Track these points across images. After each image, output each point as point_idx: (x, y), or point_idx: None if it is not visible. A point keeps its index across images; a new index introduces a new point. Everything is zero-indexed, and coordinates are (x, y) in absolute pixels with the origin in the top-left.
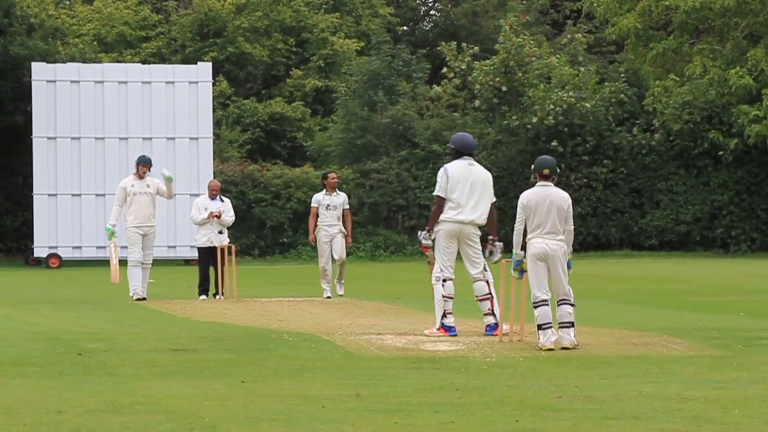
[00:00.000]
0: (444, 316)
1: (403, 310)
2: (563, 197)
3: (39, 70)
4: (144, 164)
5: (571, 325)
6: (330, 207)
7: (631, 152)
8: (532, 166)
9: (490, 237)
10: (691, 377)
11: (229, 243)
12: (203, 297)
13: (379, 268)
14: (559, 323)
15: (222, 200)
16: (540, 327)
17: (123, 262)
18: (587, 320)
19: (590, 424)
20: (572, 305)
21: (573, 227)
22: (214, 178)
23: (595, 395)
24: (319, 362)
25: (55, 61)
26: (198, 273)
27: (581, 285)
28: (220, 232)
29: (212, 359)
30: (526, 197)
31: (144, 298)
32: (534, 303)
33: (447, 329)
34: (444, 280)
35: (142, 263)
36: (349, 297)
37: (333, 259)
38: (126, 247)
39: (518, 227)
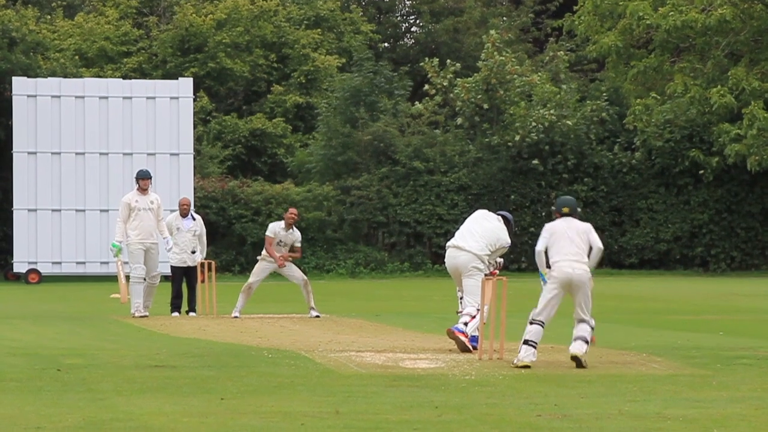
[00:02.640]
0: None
1: (383, 327)
2: (585, 225)
3: (20, 84)
4: (144, 178)
5: (586, 342)
6: (281, 244)
7: (612, 170)
8: (553, 207)
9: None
10: (671, 396)
11: (203, 260)
12: (176, 314)
13: (359, 285)
14: (574, 336)
15: (194, 218)
16: (526, 342)
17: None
18: (567, 338)
19: None
20: (591, 327)
21: (601, 246)
22: (195, 194)
23: (574, 413)
24: (299, 379)
25: (36, 76)
26: (171, 290)
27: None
28: (193, 252)
29: (192, 376)
30: (550, 225)
31: (145, 316)
32: (532, 320)
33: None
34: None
35: (149, 281)
36: (328, 314)
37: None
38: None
39: (540, 248)
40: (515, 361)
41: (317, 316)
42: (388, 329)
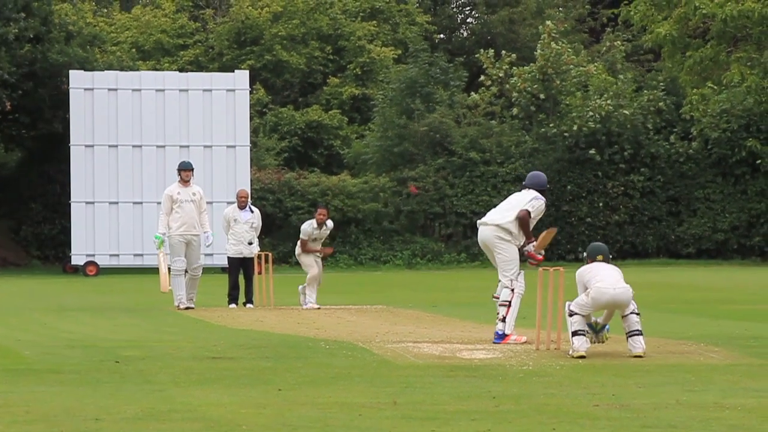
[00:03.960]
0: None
1: (440, 318)
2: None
3: (77, 77)
4: (185, 170)
5: (640, 333)
6: (317, 239)
7: (669, 160)
8: (585, 254)
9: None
10: (729, 386)
11: (259, 251)
12: (233, 305)
13: (415, 276)
14: (627, 333)
15: (251, 210)
16: (575, 333)
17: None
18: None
19: None
20: (638, 314)
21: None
22: (252, 185)
23: (632, 404)
24: (356, 370)
25: (92, 69)
26: (228, 281)
27: None
28: (250, 243)
29: (249, 367)
30: (583, 268)
31: (190, 308)
32: (571, 312)
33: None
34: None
35: (191, 274)
36: (385, 305)
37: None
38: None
39: (580, 313)
40: (571, 353)
41: (317, 308)
42: (444, 320)
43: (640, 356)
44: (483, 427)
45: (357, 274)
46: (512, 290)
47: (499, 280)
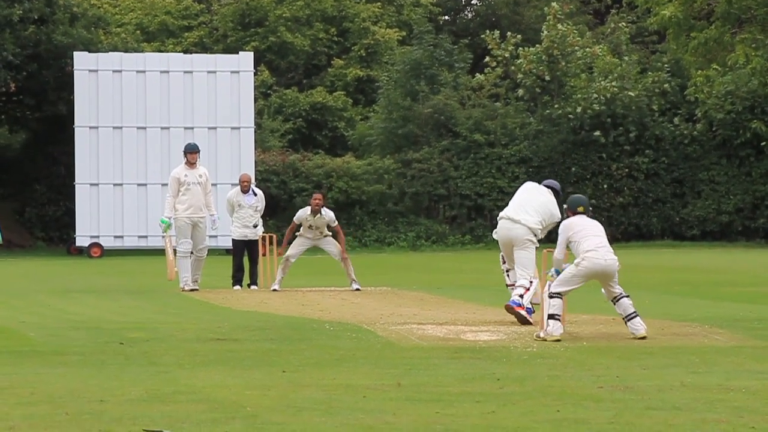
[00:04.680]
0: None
1: (444, 300)
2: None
3: (81, 59)
4: (191, 152)
5: (636, 314)
6: (313, 227)
7: (673, 142)
8: (565, 205)
9: None
10: (733, 368)
11: (264, 233)
12: (237, 287)
13: (420, 258)
14: (624, 317)
15: (255, 193)
16: (551, 316)
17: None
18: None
19: (631, 414)
20: (627, 296)
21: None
22: (256, 167)
23: (636, 385)
24: (360, 352)
25: (97, 51)
26: (232, 263)
27: (622, 275)
28: (255, 226)
29: (253, 349)
30: (569, 221)
31: (195, 289)
32: (552, 294)
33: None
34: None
35: (196, 255)
36: (390, 287)
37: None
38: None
39: (559, 257)
40: (541, 334)
41: (357, 289)
42: (449, 302)
43: (644, 337)
44: (487, 408)
45: (361, 255)
46: (530, 282)
47: (515, 273)
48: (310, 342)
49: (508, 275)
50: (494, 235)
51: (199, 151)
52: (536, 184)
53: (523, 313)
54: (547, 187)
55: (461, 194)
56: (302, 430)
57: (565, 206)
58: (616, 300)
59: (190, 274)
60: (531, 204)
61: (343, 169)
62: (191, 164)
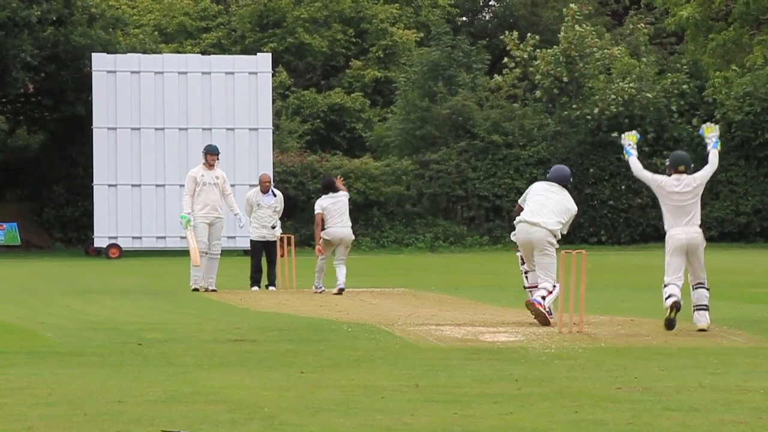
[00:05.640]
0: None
1: (462, 301)
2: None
3: (99, 60)
4: (211, 153)
5: (706, 308)
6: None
7: (692, 143)
8: (667, 161)
9: None
10: (752, 369)
11: (282, 234)
12: (255, 288)
13: (438, 259)
14: (694, 306)
15: (274, 194)
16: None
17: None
18: (647, 311)
19: (650, 415)
20: (707, 289)
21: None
22: (274, 168)
23: (654, 386)
24: (378, 353)
25: (115, 52)
26: (250, 264)
27: (640, 276)
28: (273, 227)
29: (272, 350)
30: (664, 179)
31: (214, 290)
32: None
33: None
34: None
35: (210, 254)
36: (408, 288)
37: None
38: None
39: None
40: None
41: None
42: (467, 303)
43: (704, 330)
44: (505, 409)
45: (379, 257)
46: (554, 285)
47: (537, 276)
48: (328, 343)
49: (526, 277)
50: (512, 237)
51: (218, 153)
52: (546, 184)
53: (543, 311)
54: (557, 182)
55: (479, 195)
56: (320, 431)
57: (666, 162)
58: (695, 287)
59: (203, 273)
60: (547, 206)
61: (361, 170)
62: (210, 165)
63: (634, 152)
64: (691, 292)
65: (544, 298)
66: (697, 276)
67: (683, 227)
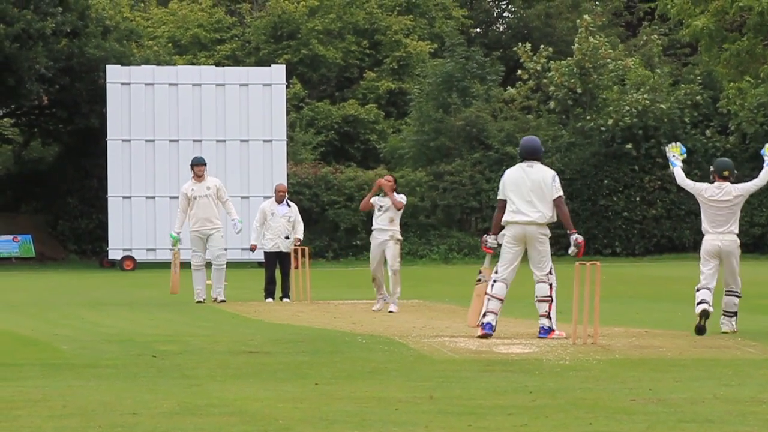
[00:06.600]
0: (484, 315)
1: None
2: (734, 189)
3: (114, 72)
4: (198, 165)
5: (733, 314)
6: (382, 209)
7: (706, 155)
8: (711, 168)
9: (568, 231)
10: (766, 380)
11: (296, 246)
12: (269, 300)
13: (452, 271)
14: (723, 311)
15: (289, 205)
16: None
17: (186, 265)
18: (661, 323)
19: (664, 427)
20: (738, 296)
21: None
22: (288, 180)
23: (669, 398)
24: (393, 365)
25: (129, 64)
26: (264, 276)
27: (654, 287)
28: (287, 237)
29: (286, 361)
30: (706, 186)
31: (223, 300)
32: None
33: (483, 327)
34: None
35: (215, 265)
36: (422, 299)
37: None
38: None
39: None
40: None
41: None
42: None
43: (726, 333)
44: (520, 421)
45: None
46: (549, 285)
47: (539, 279)
48: (342, 355)
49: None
50: (492, 240)
51: (205, 164)
52: (520, 169)
53: (557, 335)
54: (530, 158)
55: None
56: None
57: (711, 169)
58: (726, 294)
59: (203, 286)
60: (529, 194)
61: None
62: (198, 177)
63: (679, 163)
64: (722, 296)
65: (547, 314)
66: (728, 283)
67: (718, 234)
